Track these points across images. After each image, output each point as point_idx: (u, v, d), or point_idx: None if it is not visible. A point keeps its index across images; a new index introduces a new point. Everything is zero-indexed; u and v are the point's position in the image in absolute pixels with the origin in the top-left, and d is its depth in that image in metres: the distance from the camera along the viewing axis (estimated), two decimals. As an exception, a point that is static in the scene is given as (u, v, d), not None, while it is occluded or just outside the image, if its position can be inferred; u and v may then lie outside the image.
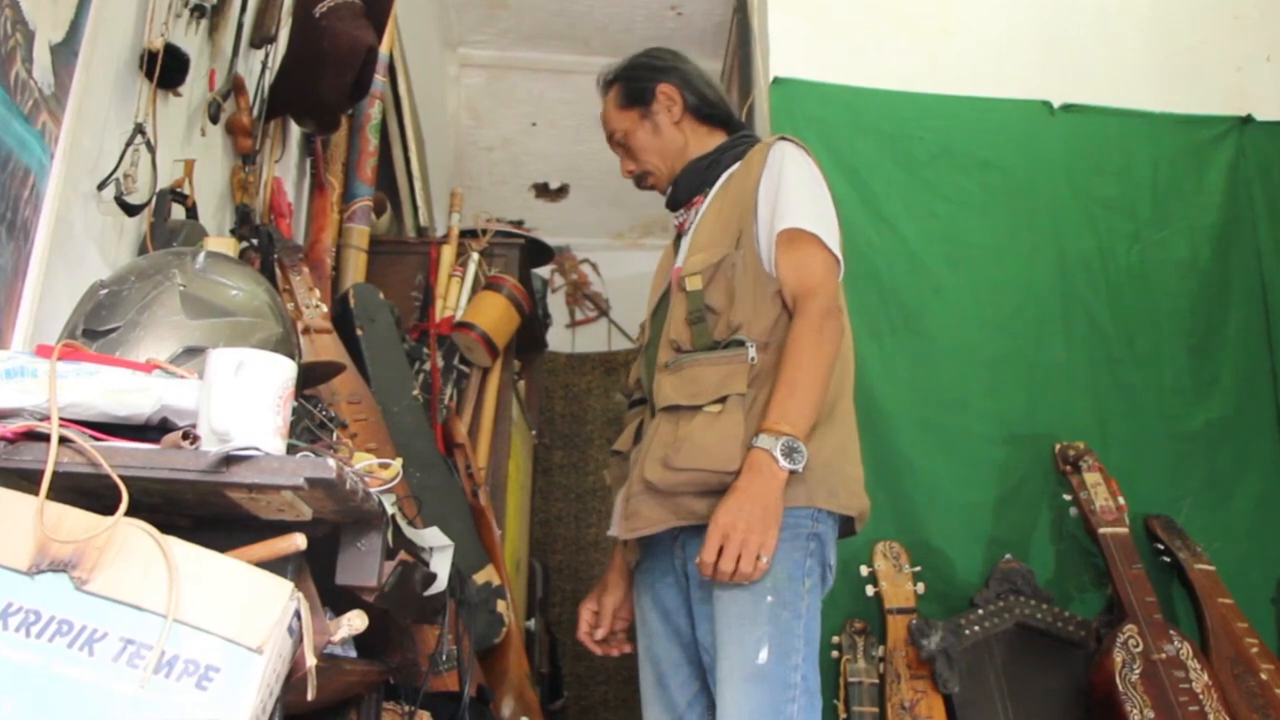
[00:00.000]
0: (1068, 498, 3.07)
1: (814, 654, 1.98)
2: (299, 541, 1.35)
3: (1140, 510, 3.11)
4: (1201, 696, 2.66)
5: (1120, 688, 2.67)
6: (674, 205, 2.38)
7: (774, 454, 1.93)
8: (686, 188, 2.35)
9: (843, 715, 2.75)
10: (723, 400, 2.05)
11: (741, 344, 2.10)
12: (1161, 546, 3.06)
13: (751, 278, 2.14)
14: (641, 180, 2.43)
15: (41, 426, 1.27)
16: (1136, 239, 3.50)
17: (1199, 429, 3.32)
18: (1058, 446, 3.15)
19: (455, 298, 3.71)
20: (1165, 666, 2.70)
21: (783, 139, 2.27)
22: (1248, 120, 3.61)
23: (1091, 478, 3.03)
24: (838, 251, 2.16)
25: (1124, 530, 2.94)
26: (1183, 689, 2.67)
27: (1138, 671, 2.69)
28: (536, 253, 4.29)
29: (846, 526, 2.13)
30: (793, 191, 2.16)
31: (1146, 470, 3.22)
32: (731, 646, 1.95)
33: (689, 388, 2.10)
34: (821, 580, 2.05)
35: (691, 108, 2.38)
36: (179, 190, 2.19)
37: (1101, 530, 2.94)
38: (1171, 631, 2.77)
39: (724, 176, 2.30)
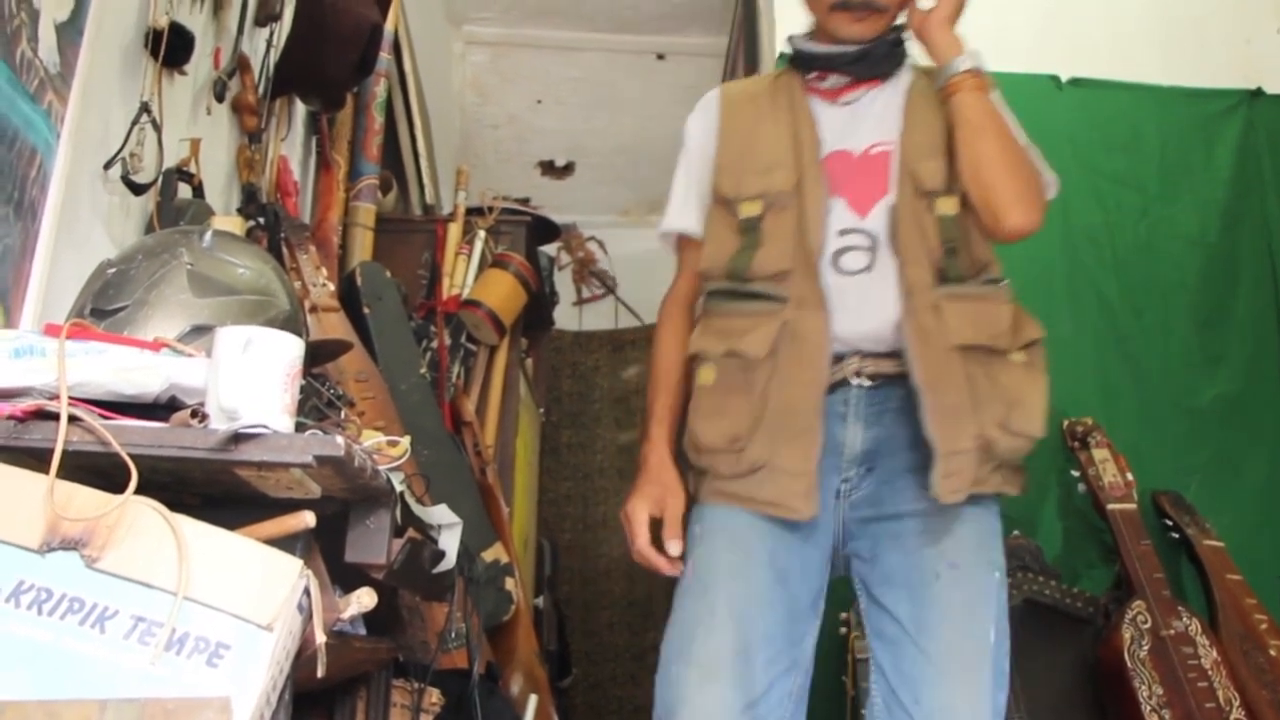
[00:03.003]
0: (1075, 474, 3.06)
1: None
2: (308, 519, 1.36)
3: (1148, 486, 3.10)
4: (1210, 673, 2.66)
5: (1129, 664, 2.67)
6: (842, 69, 1.97)
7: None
8: (873, 64, 1.98)
9: (851, 692, 2.76)
10: (1026, 348, 1.87)
11: (998, 281, 1.90)
12: (1170, 523, 3.05)
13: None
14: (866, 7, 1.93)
15: (51, 405, 1.27)
16: (1144, 214, 3.48)
17: (1207, 404, 3.31)
18: (1065, 422, 3.14)
19: (462, 275, 3.72)
20: (1174, 643, 2.70)
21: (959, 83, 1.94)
22: (1258, 93, 3.58)
23: (1099, 454, 3.03)
24: None
25: (1132, 506, 2.94)
26: (1191, 665, 2.67)
27: (1146, 648, 2.69)
28: (543, 230, 4.29)
29: None
30: None
31: (1154, 446, 3.21)
32: (957, 631, 1.77)
33: (989, 326, 1.84)
34: None
35: None
36: (185, 169, 2.18)
37: (1110, 506, 2.93)
38: (1180, 608, 2.77)
39: (905, 76, 2.00)
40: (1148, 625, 2.73)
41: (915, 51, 2.02)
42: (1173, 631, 2.71)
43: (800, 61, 2.02)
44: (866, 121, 1.96)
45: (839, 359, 1.84)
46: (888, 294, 1.84)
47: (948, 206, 1.88)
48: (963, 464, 1.78)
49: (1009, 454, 1.83)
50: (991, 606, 1.79)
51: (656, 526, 1.89)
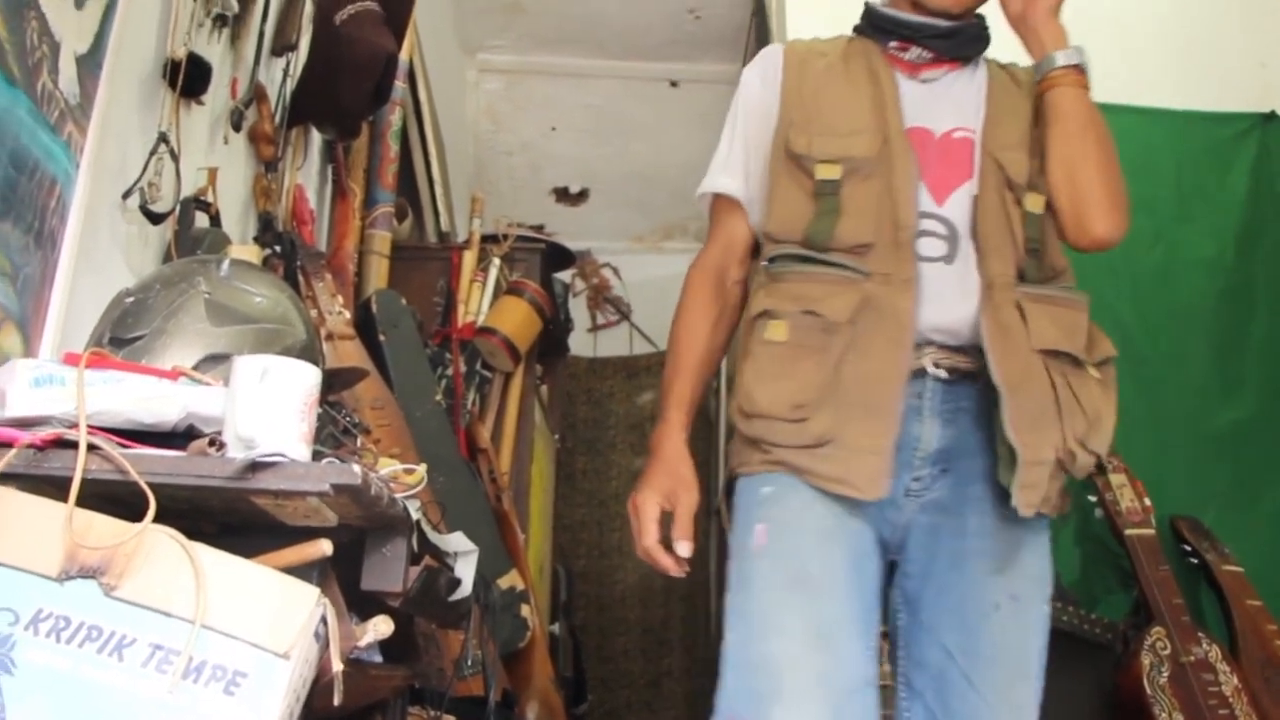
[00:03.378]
0: (1093, 499, 3.05)
1: None
2: (325, 547, 1.36)
3: (1166, 511, 3.08)
4: (1231, 700, 2.64)
5: (1148, 691, 2.65)
6: (928, 42, 1.86)
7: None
8: (962, 44, 1.88)
9: None
10: (1101, 364, 1.76)
11: (1072, 289, 1.79)
12: (1188, 548, 3.03)
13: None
14: None
15: (70, 434, 1.27)
16: (1159, 238, 3.47)
17: (1225, 429, 3.29)
18: (1082, 447, 3.13)
19: (477, 303, 3.73)
20: (1194, 669, 2.68)
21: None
22: (1271, 117, 3.58)
23: (1117, 479, 3.01)
24: None
25: (1150, 532, 2.92)
26: (1212, 692, 2.65)
27: (1166, 674, 2.67)
28: (557, 257, 4.30)
29: None
30: None
31: (1172, 471, 3.19)
32: (1011, 670, 1.69)
33: (1072, 334, 1.74)
34: None
35: None
36: (202, 198, 2.20)
37: (1127, 532, 2.91)
38: (1200, 634, 2.75)
39: (981, 66, 1.91)
40: (1167, 652, 2.71)
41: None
42: (1193, 658, 2.69)
43: (881, 28, 1.89)
44: (946, 103, 1.84)
45: (915, 346, 1.70)
46: (969, 287, 1.72)
47: (1034, 204, 1.77)
48: (1041, 476, 1.66)
49: (1078, 473, 1.73)
50: (1041, 641, 1.71)
51: (666, 522, 1.72)
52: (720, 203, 1.93)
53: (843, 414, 1.64)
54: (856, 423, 1.64)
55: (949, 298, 1.71)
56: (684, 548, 1.70)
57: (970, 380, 1.71)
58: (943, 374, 1.71)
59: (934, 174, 1.77)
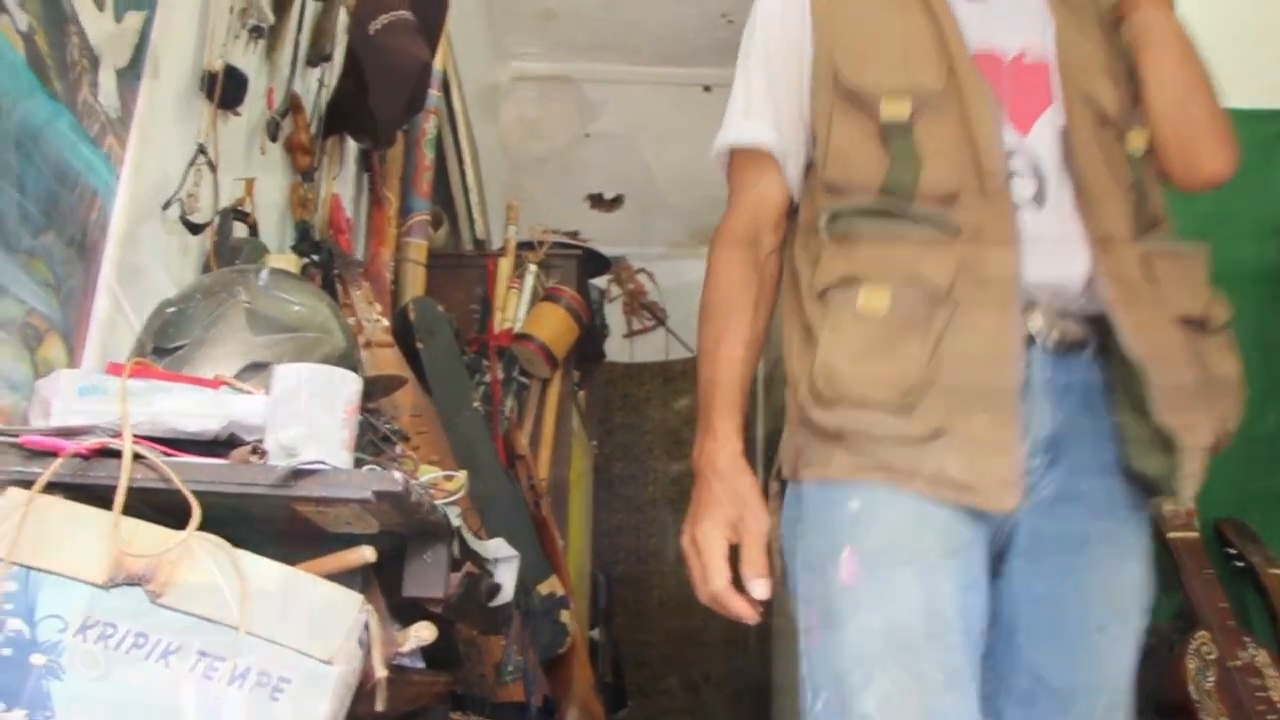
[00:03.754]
0: (1135, 501, 3.01)
1: None
2: (368, 554, 1.36)
3: (1211, 515, 3.05)
4: (1279, 705, 2.60)
5: (1194, 696, 2.61)
6: None
7: None
8: None
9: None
10: (1224, 329, 1.57)
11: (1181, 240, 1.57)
12: (1234, 551, 2.99)
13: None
14: None
15: (114, 443, 1.29)
16: (1200, 238, 3.43)
17: (1270, 430, 3.24)
18: (1124, 450, 3.10)
19: (514, 309, 3.74)
20: (1241, 674, 2.64)
21: None
22: (1314, 114, 3.54)
23: (1159, 481, 2.98)
24: None
25: (1194, 535, 2.88)
26: (1259, 697, 2.61)
27: (1212, 679, 2.64)
28: (593, 263, 4.31)
29: None
30: None
31: (1217, 474, 3.11)
32: (1113, 706, 1.46)
33: (1198, 295, 1.54)
34: None
35: None
36: (241, 209, 2.22)
37: (1170, 535, 2.88)
38: (1246, 638, 2.71)
39: None
40: (1213, 656, 2.67)
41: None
42: (1239, 662, 2.66)
43: None
44: (1008, 20, 1.57)
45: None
46: (1069, 235, 1.47)
47: (1138, 141, 1.55)
48: (1201, 464, 1.46)
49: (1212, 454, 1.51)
50: (1136, 657, 1.49)
51: (731, 556, 1.43)
52: (744, 159, 1.64)
53: (955, 402, 1.37)
54: (973, 412, 1.37)
55: (1048, 249, 1.45)
56: (761, 588, 1.41)
57: (1078, 350, 1.47)
58: (1051, 342, 1.46)
59: (1012, 104, 1.52)
